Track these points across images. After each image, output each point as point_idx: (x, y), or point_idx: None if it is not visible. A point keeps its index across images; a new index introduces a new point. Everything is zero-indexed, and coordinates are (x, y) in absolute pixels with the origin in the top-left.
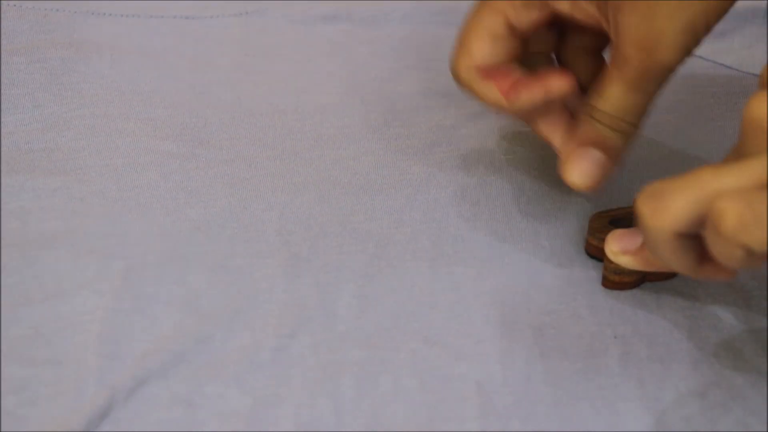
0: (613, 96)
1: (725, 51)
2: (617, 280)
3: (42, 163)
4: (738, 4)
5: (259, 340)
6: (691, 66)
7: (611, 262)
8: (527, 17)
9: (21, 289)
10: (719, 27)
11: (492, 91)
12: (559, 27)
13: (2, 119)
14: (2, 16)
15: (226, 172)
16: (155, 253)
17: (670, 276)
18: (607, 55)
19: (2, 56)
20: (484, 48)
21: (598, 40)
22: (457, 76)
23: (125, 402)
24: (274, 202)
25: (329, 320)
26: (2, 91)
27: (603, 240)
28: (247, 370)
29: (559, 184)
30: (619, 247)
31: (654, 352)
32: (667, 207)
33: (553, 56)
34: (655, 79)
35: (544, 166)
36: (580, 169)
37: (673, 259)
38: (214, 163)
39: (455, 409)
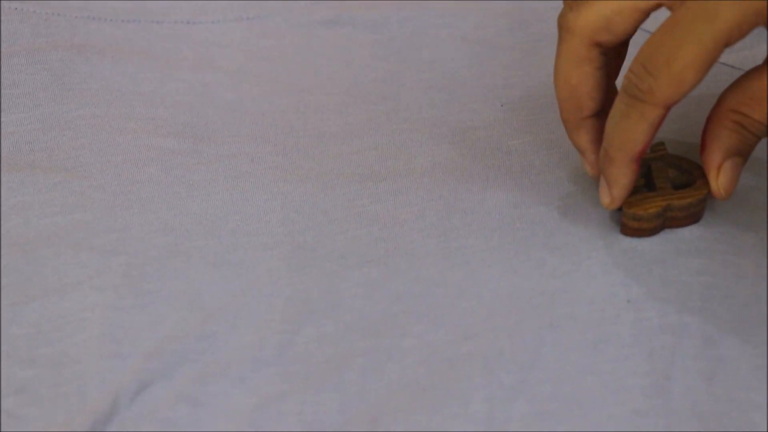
0: None
1: (727, 51)
2: (636, 226)
3: (43, 163)
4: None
5: (263, 337)
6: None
7: (630, 207)
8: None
9: (21, 286)
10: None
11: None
12: None
13: (2, 118)
14: (4, 18)
15: (228, 166)
16: (157, 249)
17: (690, 221)
18: None
19: (3, 58)
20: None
21: None
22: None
23: (130, 403)
24: (276, 192)
25: (335, 311)
26: (2, 91)
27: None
28: (252, 369)
29: (572, 155)
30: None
31: (666, 321)
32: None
33: None
34: None
35: (553, 146)
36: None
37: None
38: (215, 158)
39: (460, 388)
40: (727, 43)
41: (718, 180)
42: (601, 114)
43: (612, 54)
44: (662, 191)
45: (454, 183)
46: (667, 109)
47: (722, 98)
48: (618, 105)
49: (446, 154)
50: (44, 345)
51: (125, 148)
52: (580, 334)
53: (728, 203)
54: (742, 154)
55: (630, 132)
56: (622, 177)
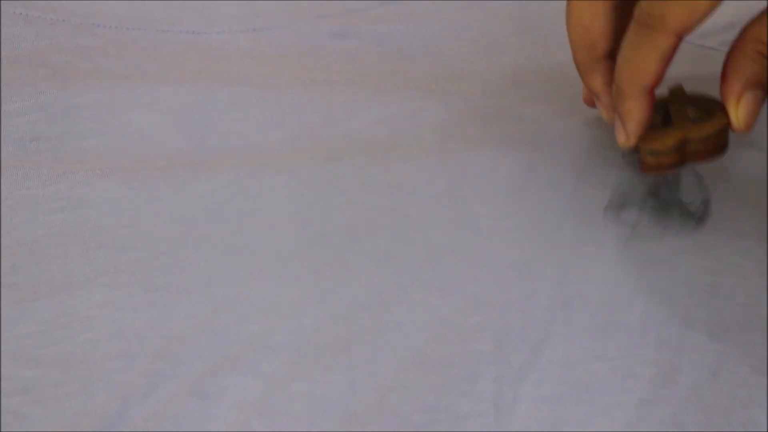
0: None
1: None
2: (654, 162)
3: (48, 163)
4: (742, 3)
5: (272, 324)
6: (697, 53)
7: (646, 143)
8: None
9: (27, 284)
10: (729, 19)
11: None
12: None
13: (3, 108)
14: (7, 22)
15: (235, 156)
16: (165, 242)
17: (712, 154)
18: None
19: (5, 60)
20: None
21: None
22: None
23: (138, 405)
24: (282, 167)
25: (344, 288)
26: (3, 85)
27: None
28: (262, 357)
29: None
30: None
31: (674, 312)
32: None
33: None
34: None
35: (567, 115)
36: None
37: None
38: (222, 152)
39: (469, 365)
40: None
41: (738, 111)
42: (616, 56)
43: None
44: (679, 124)
45: (464, 149)
46: (680, 38)
47: (745, 29)
48: (629, 35)
49: (457, 123)
50: (50, 344)
51: (131, 150)
52: (591, 318)
53: (735, 202)
54: (763, 88)
55: (641, 62)
56: (635, 111)
